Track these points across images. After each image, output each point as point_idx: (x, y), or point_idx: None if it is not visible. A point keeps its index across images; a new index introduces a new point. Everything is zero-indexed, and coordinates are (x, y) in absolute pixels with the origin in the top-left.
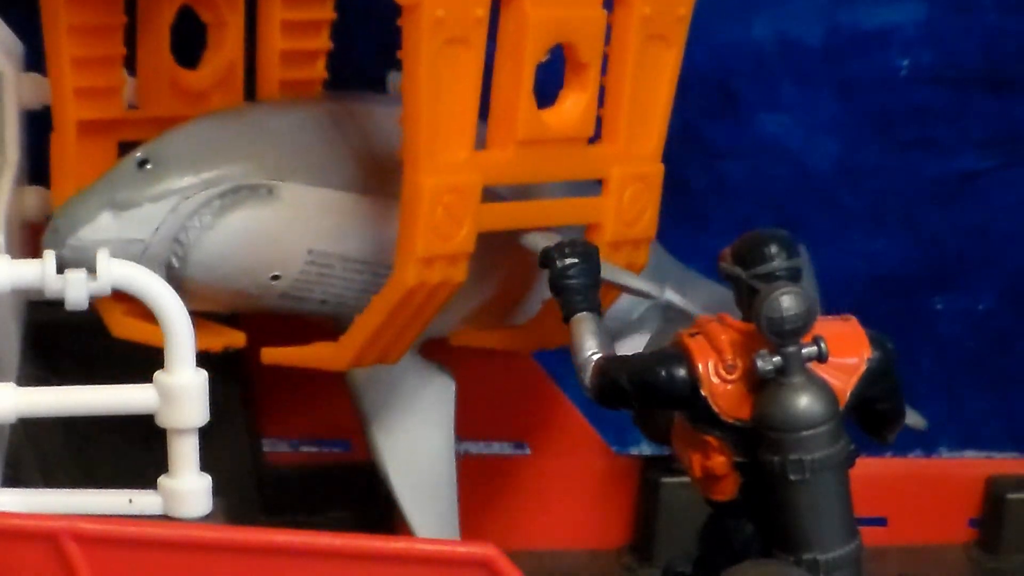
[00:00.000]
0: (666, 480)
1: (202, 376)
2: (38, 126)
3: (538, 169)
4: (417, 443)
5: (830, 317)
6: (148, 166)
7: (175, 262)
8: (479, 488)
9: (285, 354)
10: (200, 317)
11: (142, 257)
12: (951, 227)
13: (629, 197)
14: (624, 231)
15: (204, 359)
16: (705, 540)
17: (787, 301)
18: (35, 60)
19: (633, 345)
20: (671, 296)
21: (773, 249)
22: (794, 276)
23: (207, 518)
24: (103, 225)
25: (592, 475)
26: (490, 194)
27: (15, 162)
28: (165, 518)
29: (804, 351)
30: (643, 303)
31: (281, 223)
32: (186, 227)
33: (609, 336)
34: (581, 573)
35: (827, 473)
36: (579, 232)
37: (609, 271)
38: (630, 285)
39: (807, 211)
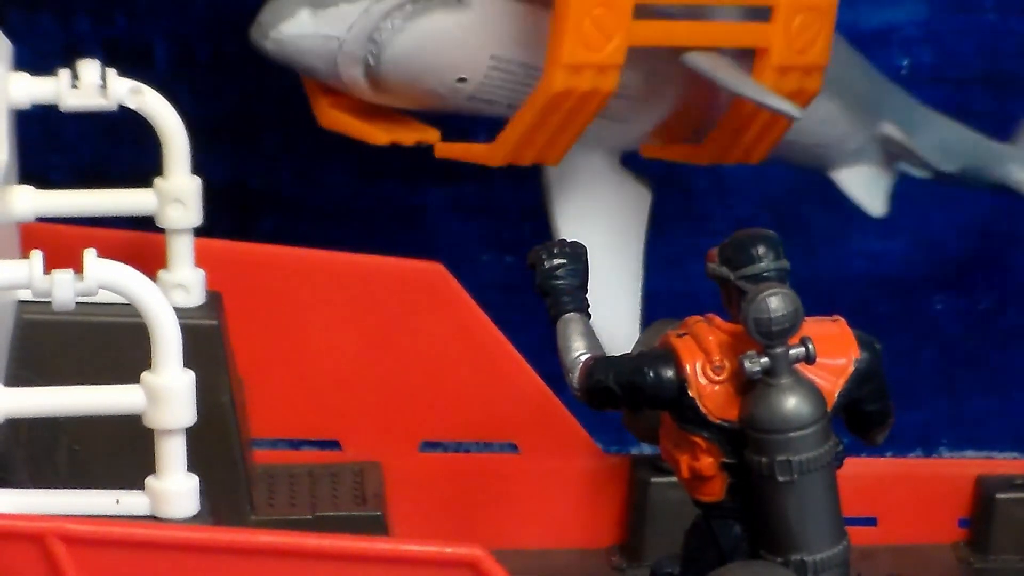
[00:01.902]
0: (656, 480)
1: (189, 376)
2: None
3: None
4: (606, 244)
5: (818, 318)
6: None
7: (371, 60)
8: (468, 488)
9: (451, 149)
10: (397, 112)
11: (338, 52)
12: (951, 227)
13: (799, 24)
14: (794, 57)
15: (189, 359)
16: (693, 541)
17: (775, 302)
18: (24, 59)
19: (850, 178)
20: (890, 130)
21: (761, 250)
22: (782, 277)
23: (194, 519)
24: (302, 20)
25: (581, 475)
26: (658, 13)
27: (4, 161)
28: (153, 519)
29: (792, 352)
30: (858, 132)
31: (466, 29)
32: (380, 28)
33: (597, 337)
34: (570, 573)
35: (815, 474)
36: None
37: (743, 84)
38: (764, 101)
39: (807, 211)
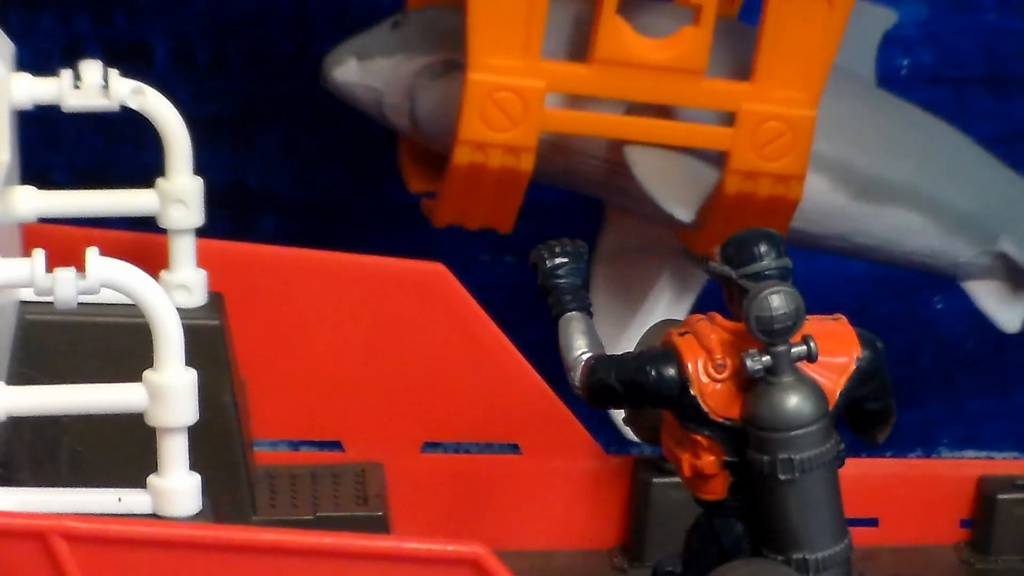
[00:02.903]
0: (657, 480)
1: (191, 375)
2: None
3: (623, 89)
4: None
5: (819, 316)
6: (396, 29)
7: (410, 113)
8: (470, 488)
9: (424, 203)
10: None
11: (381, 105)
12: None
13: (767, 131)
14: (761, 164)
15: (191, 359)
16: (694, 540)
17: (776, 300)
18: (25, 59)
19: (979, 290)
20: (1008, 247)
21: (762, 248)
22: (784, 275)
23: (197, 517)
24: (350, 70)
25: (583, 475)
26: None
27: (5, 162)
28: (155, 517)
29: (793, 350)
30: (966, 248)
31: None
32: (413, 85)
33: (598, 336)
34: (572, 573)
35: (817, 472)
36: None
37: (649, 181)
38: (658, 201)
39: None
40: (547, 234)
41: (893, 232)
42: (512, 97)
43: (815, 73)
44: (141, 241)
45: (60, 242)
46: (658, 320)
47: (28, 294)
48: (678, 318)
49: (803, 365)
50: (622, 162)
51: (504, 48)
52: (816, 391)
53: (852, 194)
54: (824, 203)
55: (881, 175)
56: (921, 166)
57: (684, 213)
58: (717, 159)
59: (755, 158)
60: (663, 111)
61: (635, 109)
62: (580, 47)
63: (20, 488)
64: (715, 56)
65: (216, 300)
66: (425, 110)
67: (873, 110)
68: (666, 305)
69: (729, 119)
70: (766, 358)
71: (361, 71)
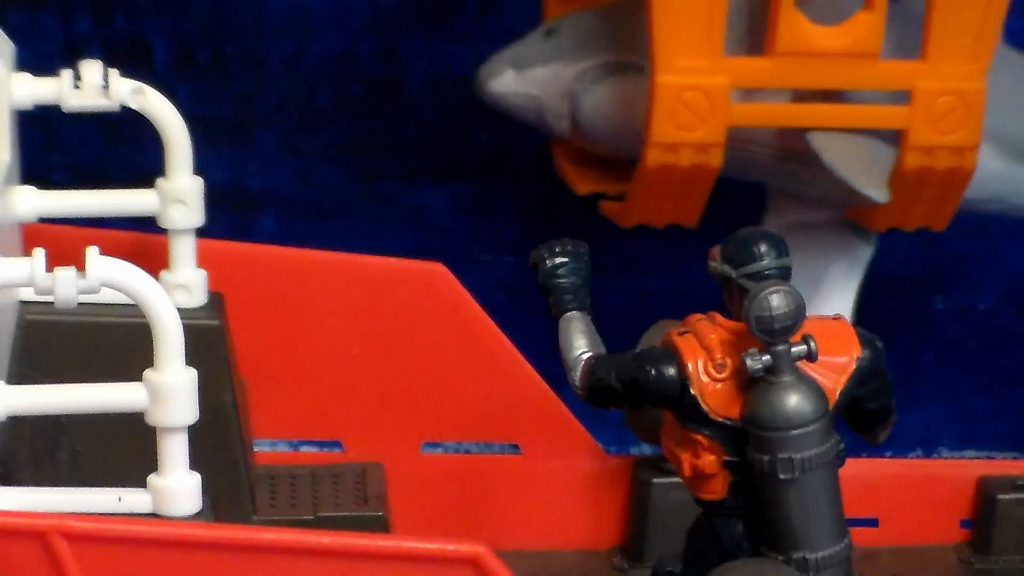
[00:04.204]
0: (657, 481)
1: (191, 374)
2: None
3: (804, 78)
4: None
5: (819, 316)
6: (551, 36)
7: (572, 117)
8: (470, 489)
9: (603, 205)
10: (611, 163)
11: (541, 111)
12: (951, 227)
13: (942, 106)
14: (938, 138)
15: (191, 359)
16: (695, 539)
17: (776, 300)
18: (25, 59)
19: None
20: None
21: (763, 248)
22: (784, 275)
23: (196, 517)
24: (507, 80)
25: (583, 476)
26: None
27: (5, 162)
28: (155, 516)
29: (794, 350)
30: None
31: (645, 95)
32: (573, 89)
33: (598, 336)
34: (572, 574)
35: (817, 472)
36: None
37: (839, 163)
38: (852, 182)
39: None
40: (547, 234)
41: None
42: (699, 96)
43: (983, 46)
44: (141, 241)
45: (60, 242)
46: (831, 305)
47: (28, 294)
48: (848, 296)
49: (803, 365)
50: (794, 148)
51: (688, 49)
52: (816, 391)
53: (1010, 158)
54: (986, 169)
55: None
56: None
57: (879, 193)
58: (892, 137)
59: (932, 133)
60: (833, 95)
61: (804, 96)
62: (755, 42)
63: (20, 488)
64: (884, 35)
65: (216, 300)
66: (588, 112)
67: (1016, 73)
68: (833, 282)
69: (901, 97)
70: (766, 358)
71: (518, 80)
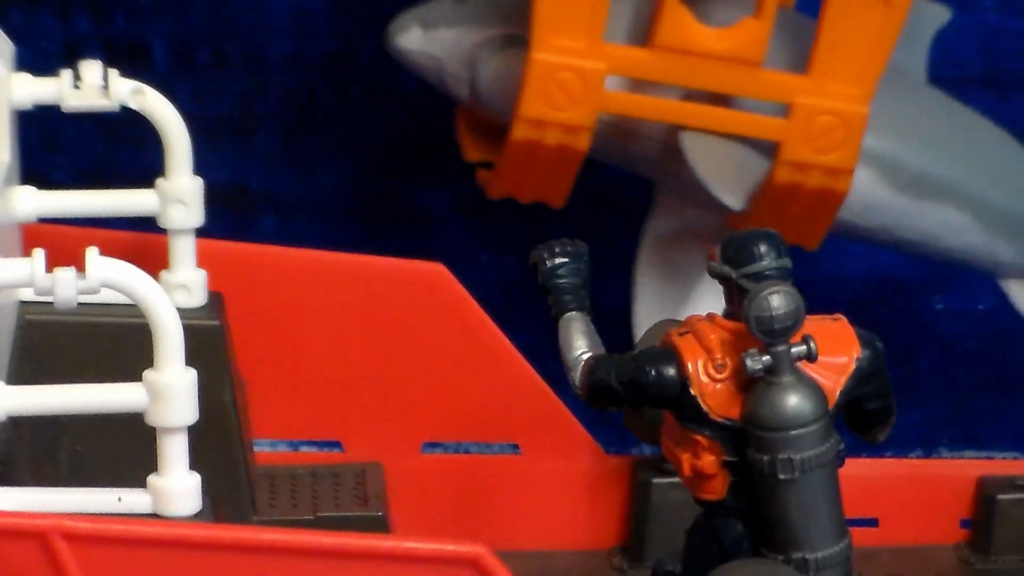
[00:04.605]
0: (657, 481)
1: (191, 374)
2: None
3: (682, 76)
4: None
5: (820, 316)
6: (460, 1)
7: (471, 84)
8: (470, 489)
9: (480, 174)
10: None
11: (442, 74)
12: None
13: (821, 125)
14: (814, 156)
15: (191, 359)
16: (694, 539)
17: (776, 300)
18: (25, 59)
19: (1017, 292)
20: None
21: (762, 248)
22: (784, 275)
23: (196, 517)
24: (413, 37)
25: (583, 476)
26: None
27: (5, 162)
28: (155, 517)
29: (793, 350)
30: (1007, 248)
31: None
32: (474, 56)
33: (598, 336)
34: (572, 573)
35: (817, 472)
36: None
37: (701, 166)
38: (709, 186)
39: None
40: (547, 234)
41: (936, 228)
42: (573, 78)
43: (870, 70)
44: (141, 241)
45: (60, 242)
46: (706, 305)
47: (28, 294)
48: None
49: (803, 365)
50: (676, 146)
51: (568, 29)
52: (816, 391)
53: (897, 189)
54: (870, 196)
55: (927, 171)
56: (967, 164)
57: (733, 200)
58: (769, 149)
59: (807, 150)
60: (718, 98)
61: (691, 95)
62: (640, 32)
63: (20, 488)
64: (771, 45)
65: (216, 300)
66: (485, 82)
67: (922, 107)
68: (716, 291)
69: (783, 110)
70: (766, 358)
71: (424, 40)
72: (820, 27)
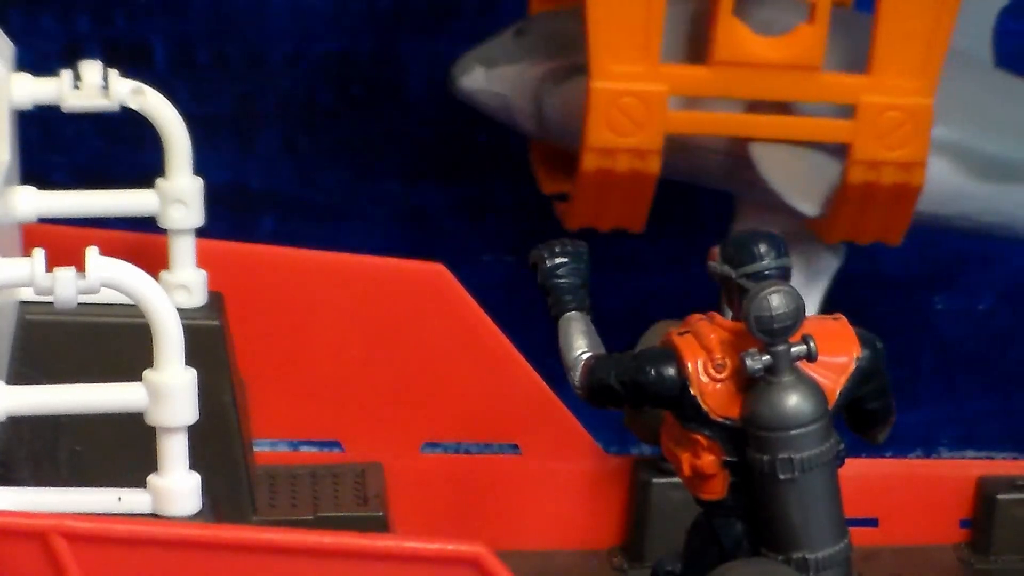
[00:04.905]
0: (657, 481)
1: (191, 374)
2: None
3: (742, 88)
4: None
5: (819, 316)
6: (521, 35)
7: (538, 117)
8: (470, 489)
9: (558, 205)
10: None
11: (510, 110)
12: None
13: (888, 121)
14: (885, 153)
15: (191, 359)
16: (694, 539)
17: (776, 300)
18: (25, 59)
19: None
20: None
21: (763, 248)
22: (783, 275)
23: (196, 517)
24: (477, 78)
25: (583, 476)
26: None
27: (5, 162)
28: (154, 517)
29: (793, 350)
30: None
31: None
32: (539, 89)
33: (598, 336)
34: (572, 574)
35: (816, 472)
36: None
37: (773, 176)
38: (783, 195)
39: None
40: (547, 234)
41: (1019, 210)
42: (635, 102)
43: (930, 61)
44: (141, 241)
45: (60, 242)
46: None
47: (28, 294)
48: (811, 306)
49: (803, 365)
50: (745, 157)
51: (625, 55)
52: (816, 391)
53: (975, 175)
54: (948, 185)
55: (1005, 155)
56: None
57: (809, 207)
58: (839, 150)
59: (877, 148)
60: (781, 107)
61: (754, 106)
62: (692, 50)
63: (20, 488)
64: (830, 45)
65: (216, 300)
66: (552, 113)
67: (990, 90)
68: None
69: (849, 111)
70: (766, 358)
71: (488, 78)
72: (876, 23)
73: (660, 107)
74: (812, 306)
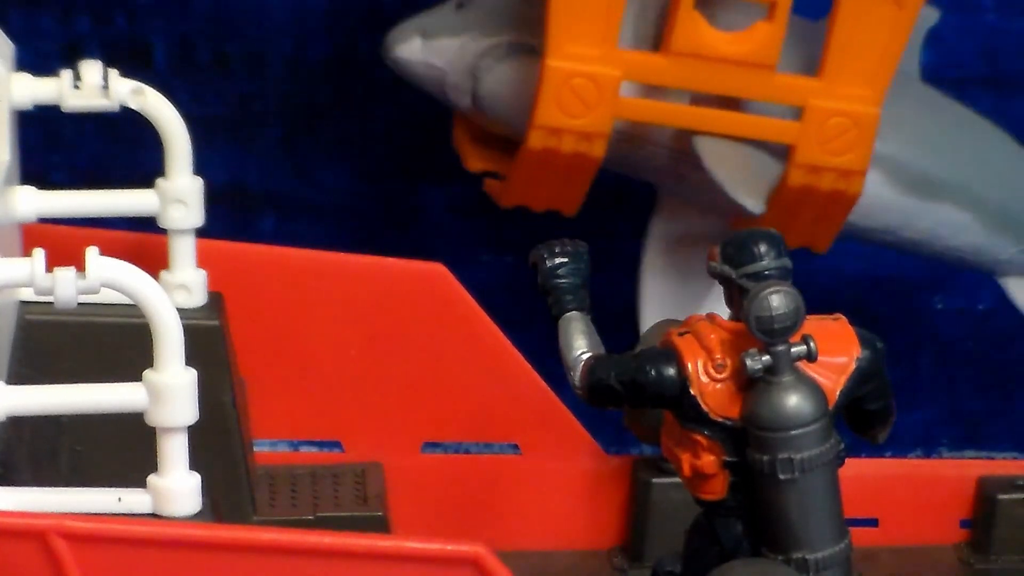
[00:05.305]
0: (657, 481)
1: (191, 374)
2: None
3: (697, 81)
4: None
5: (820, 316)
6: (463, 9)
7: (473, 93)
8: (470, 489)
9: (488, 184)
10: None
11: (443, 84)
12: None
13: (833, 127)
14: (826, 159)
15: (191, 359)
16: (694, 539)
17: (776, 300)
18: (25, 59)
19: (1016, 288)
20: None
21: (762, 248)
22: (783, 275)
23: (196, 517)
24: (414, 48)
25: (583, 476)
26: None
27: (5, 162)
28: (154, 517)
29: (793, 350)
30: (1007, 246)
31: None
32: (477, 65)
33: (598, 336)
34: (572, 573)
35: (816, 472)
36: None
37: (719, 170)
38: (727, 190)
39: None
40: (547, 234)
41: (939, 227)
42: (588, 84)
43: (882, 72)
44: (141, 241)
45: (60, 242)
46: (711, 308)
47: (28, 294)
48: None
49: (803, 365)
50: (687, 151)
51: (582, 37)
52: (816, 391)
53: (901, 189)
54: (875, 197)
55: (930, 172)
56: (968, 164)
57: (754, 203)
58: (780, 152)
59: (820, 152)
60: (729, 102)
61: (700, 100)
62: (653, 38)
63: (20, 488)
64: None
65: (216, 300)
66: (489, 91)
67: (922, 107)
68: (718, 295)
69: (794, 112)
70: (766, 358)
71: (425, 49)
72: (831, 29)
73: (612, 91)
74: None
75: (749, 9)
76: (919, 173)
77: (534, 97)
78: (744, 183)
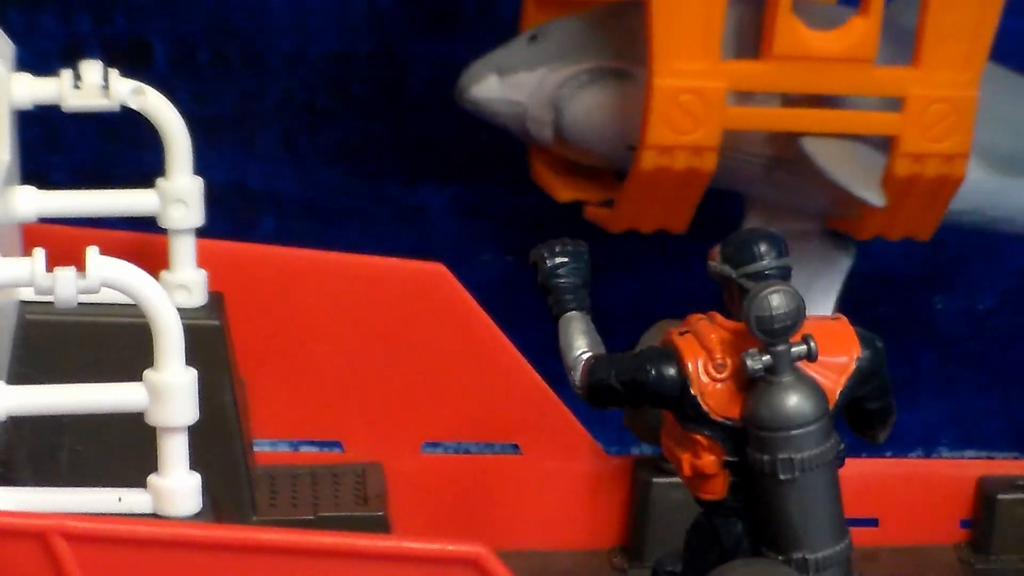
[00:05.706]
0: (658, 480)
1: (191, 374)
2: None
3: (799, 83)
4: None
5: (819, 316)
6: (536, 42)
7: (556, 124)
8: (470, 489)
9: (590, 211)
10: (592, 171)
11: (524, 117)
12: (952, 227)
13: (934, 113)
14: (929, 145)
15: (191, 359)
16: (694, 539)
17: (776, 300)
18: (25, 59)
19: None
20: None
21: (763, 248)
22: (784, 275)
23: (197, 517)
24: (491, 86)
25: (583, 476)
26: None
27: (5, 162)
28: (155, 517)
29: (793, 350)
30: None
31: (633, 100)
32: (558, 95)
33: (598, 336)
34: (572, 574)
35: (817, 472)
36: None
37: (835, 169)
38: (849, 187)
39: None
40: (547, 234)
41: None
42: (695, 99)
43: (976, 54)
44: (141, 241)
45: (60, 242)
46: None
47: (28, 294)
48: (827, 307)
49: (803, 364)
50: (782, 156)
51: (686, 52)
52: (816, 391)
53: (990, 169)
54: (968, 180)
55: (1016, 150)
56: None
57: (876, 197)
58: (880, 143)
59: (923, 140)
60: (824, 101)
61: (794, 101)
62: (750, 46)
63: (20, 488)
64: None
65: (216, 300)
66: (572, 120)
67: (999, 87)
68: (814, 295)
69: (893, 104)
70: (766, 357)
71: (502, 86)
72: (923, 16)
73: (719, 103)
74: (829, 309)
75: (830, 8)
76: (1006, 152)
77: (641, 117)
78: (862, 178)
